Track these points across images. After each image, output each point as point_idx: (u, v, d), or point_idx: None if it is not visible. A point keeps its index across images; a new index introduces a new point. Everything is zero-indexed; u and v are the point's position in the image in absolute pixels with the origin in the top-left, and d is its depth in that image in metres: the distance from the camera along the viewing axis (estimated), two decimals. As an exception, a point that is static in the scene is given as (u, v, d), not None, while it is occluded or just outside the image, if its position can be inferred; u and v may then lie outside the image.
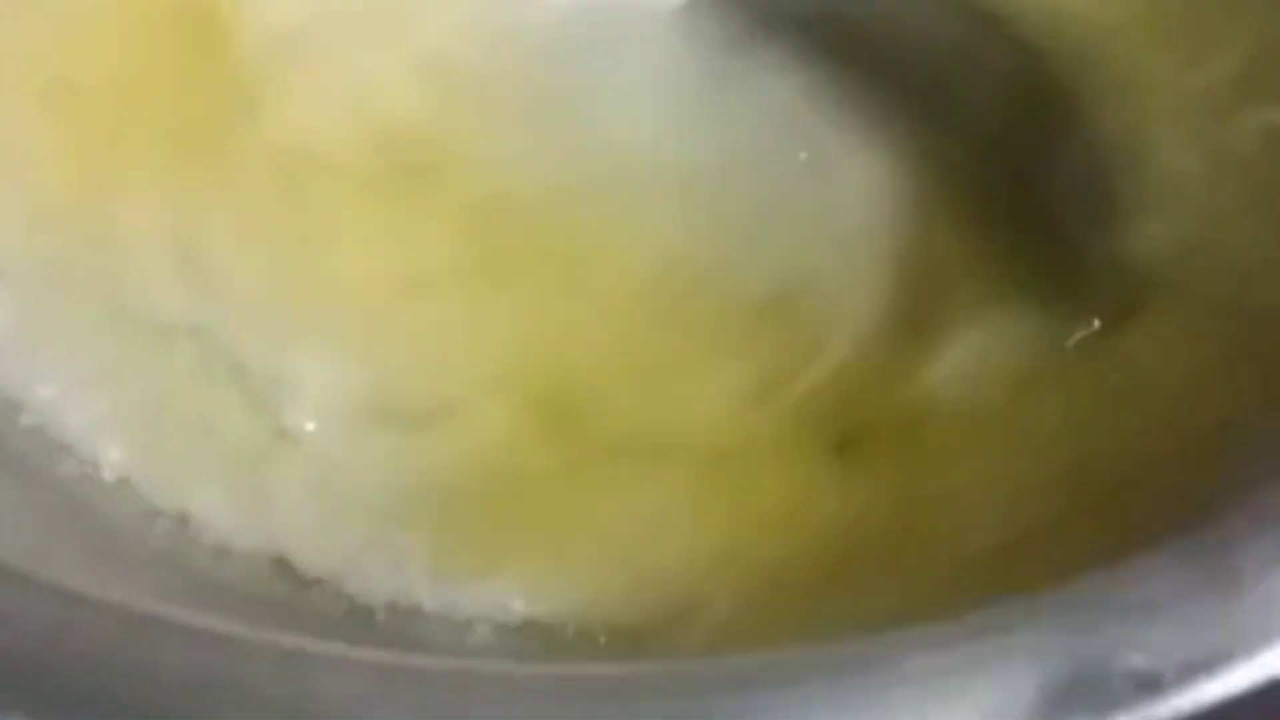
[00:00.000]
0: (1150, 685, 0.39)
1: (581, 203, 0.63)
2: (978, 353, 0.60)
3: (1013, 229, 0.63)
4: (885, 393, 0.60)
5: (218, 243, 0.62)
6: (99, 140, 0.63)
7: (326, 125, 0.64)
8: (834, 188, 0.63)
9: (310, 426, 0.61)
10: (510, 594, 0.58)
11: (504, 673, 0.46)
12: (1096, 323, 0.60)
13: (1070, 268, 0.62)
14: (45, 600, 0.43)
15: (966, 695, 0.39)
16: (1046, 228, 0.63)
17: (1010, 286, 0.61)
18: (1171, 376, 0.59)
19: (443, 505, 0.60)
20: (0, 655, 0.42)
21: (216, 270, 0.62)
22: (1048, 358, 0.60)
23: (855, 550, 0.58)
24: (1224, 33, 0.64)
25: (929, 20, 0.64)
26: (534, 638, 0.58)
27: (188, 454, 0.60)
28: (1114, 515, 0.54)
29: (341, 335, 0.62)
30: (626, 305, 0.61)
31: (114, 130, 0.64)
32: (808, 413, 0.60)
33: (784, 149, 0.64)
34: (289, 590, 0.59)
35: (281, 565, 0.60)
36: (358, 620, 0.58)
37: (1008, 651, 0.40)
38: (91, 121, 0.64)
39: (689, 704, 0.41)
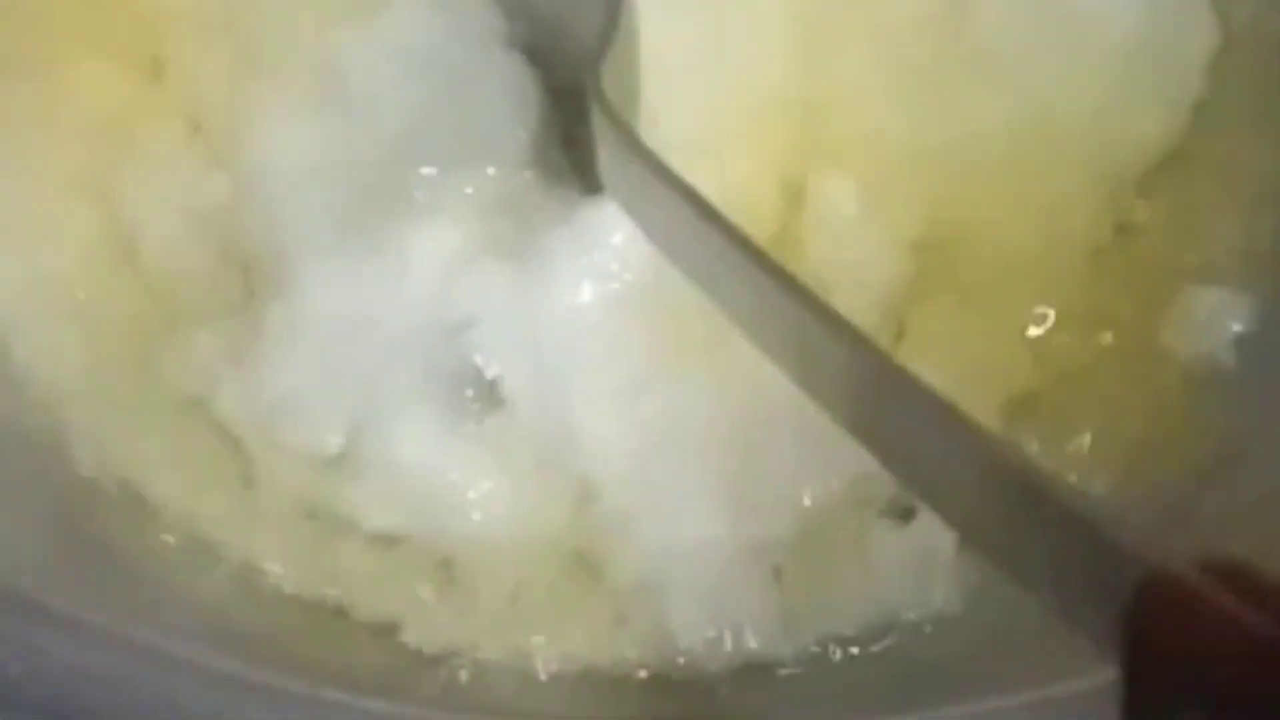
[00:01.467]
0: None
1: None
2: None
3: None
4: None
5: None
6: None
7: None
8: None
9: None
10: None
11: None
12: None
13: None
14: (97, 648, 0.43)
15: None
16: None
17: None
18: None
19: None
20: (49, 702, 0.42)
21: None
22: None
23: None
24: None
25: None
26: (596, 685, 0.58)
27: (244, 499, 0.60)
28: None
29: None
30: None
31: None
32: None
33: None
34: (349, 639, 0.59)
35: (341, 613, 0.59)
36: (418, 670, 0.58)
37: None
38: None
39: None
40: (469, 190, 0.62)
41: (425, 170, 0.62)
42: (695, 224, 0.47)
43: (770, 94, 0.63)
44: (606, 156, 0.54)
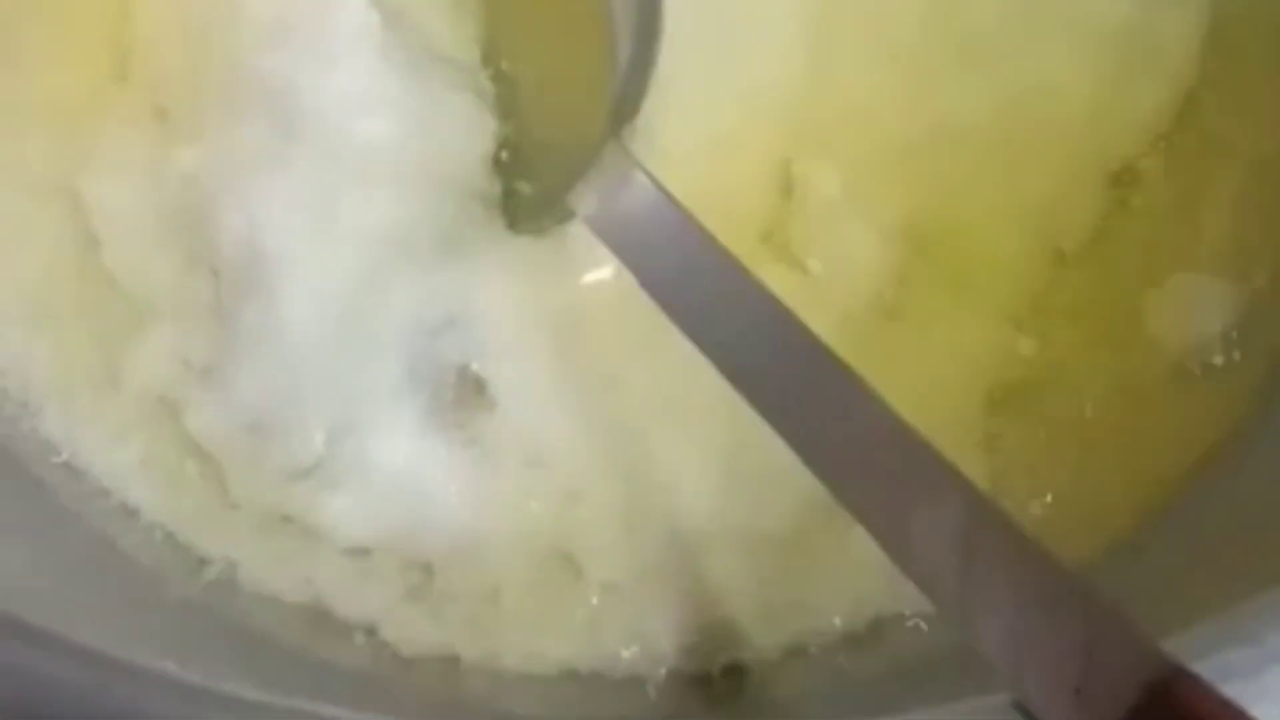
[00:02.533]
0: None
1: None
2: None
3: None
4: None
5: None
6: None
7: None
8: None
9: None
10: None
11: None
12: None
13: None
14: (75, 665, 0.43)
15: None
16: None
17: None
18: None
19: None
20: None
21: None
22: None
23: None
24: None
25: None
26: (573, 686, 0.59)
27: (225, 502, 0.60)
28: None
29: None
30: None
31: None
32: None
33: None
34: (328, 640, 0.59)
35: (321, 614, 0.59)
36: (396, 670, 0.58)
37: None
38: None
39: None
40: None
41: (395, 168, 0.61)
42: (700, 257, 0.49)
43: (769, 93, 0.63)
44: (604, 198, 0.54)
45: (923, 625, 0.59)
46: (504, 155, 0.62)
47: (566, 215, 0.59)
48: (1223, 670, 0.38)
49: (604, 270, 0.60)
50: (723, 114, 0.63)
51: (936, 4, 0.64)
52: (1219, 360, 0.61)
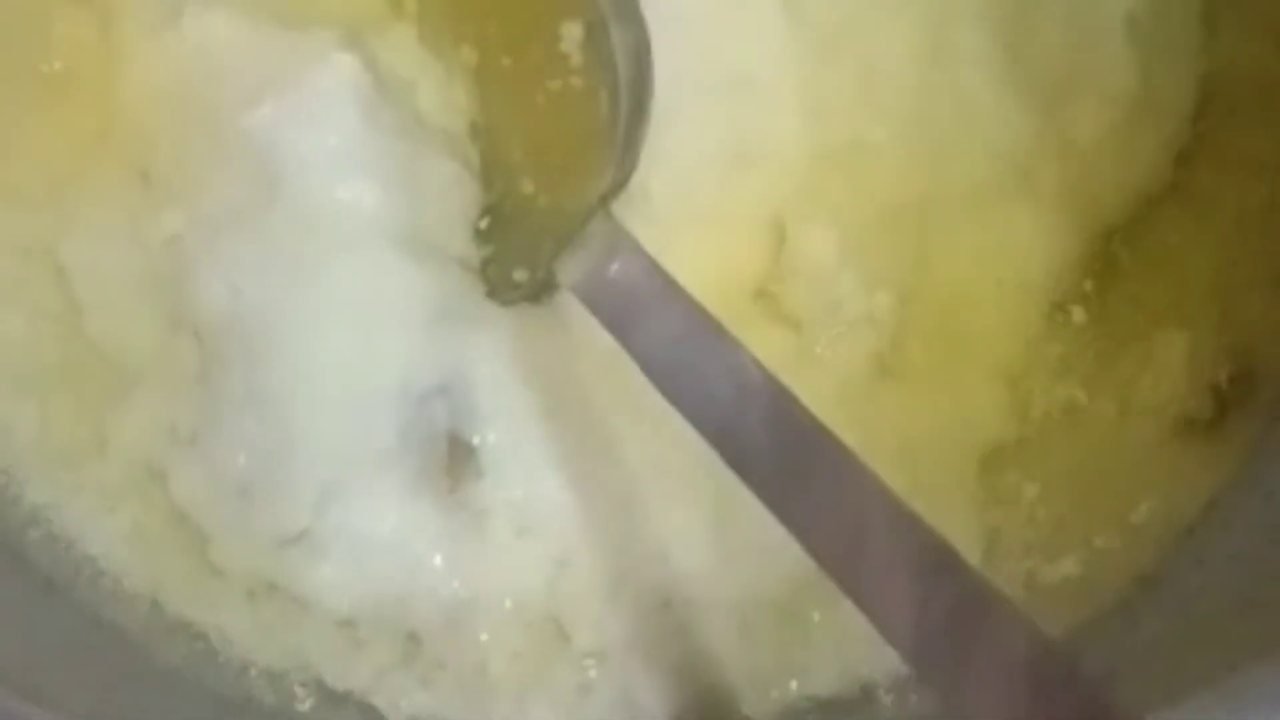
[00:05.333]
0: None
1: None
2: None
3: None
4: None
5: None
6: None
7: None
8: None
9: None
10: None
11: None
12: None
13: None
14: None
15: None
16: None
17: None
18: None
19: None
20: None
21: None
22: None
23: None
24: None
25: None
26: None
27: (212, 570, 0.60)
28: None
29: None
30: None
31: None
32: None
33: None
34: (318, 707, 0.59)
35: (310, 682, 0.59)
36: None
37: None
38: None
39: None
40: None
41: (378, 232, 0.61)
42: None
43: (762, 154, 0.63)
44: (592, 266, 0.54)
45: (909, 692, 0.59)
46: (485, 223, 0.63)
47: (549, 286, 0.59)
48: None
49: (597, 337, 0.60)
50: (715, 176, 0.63)
51: (931, 66, 0.64)
52: (1210, 417, 0.61)
